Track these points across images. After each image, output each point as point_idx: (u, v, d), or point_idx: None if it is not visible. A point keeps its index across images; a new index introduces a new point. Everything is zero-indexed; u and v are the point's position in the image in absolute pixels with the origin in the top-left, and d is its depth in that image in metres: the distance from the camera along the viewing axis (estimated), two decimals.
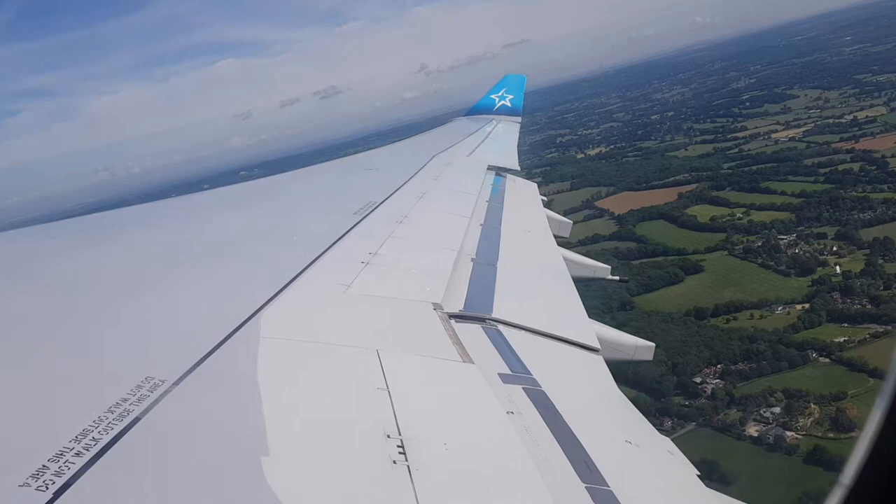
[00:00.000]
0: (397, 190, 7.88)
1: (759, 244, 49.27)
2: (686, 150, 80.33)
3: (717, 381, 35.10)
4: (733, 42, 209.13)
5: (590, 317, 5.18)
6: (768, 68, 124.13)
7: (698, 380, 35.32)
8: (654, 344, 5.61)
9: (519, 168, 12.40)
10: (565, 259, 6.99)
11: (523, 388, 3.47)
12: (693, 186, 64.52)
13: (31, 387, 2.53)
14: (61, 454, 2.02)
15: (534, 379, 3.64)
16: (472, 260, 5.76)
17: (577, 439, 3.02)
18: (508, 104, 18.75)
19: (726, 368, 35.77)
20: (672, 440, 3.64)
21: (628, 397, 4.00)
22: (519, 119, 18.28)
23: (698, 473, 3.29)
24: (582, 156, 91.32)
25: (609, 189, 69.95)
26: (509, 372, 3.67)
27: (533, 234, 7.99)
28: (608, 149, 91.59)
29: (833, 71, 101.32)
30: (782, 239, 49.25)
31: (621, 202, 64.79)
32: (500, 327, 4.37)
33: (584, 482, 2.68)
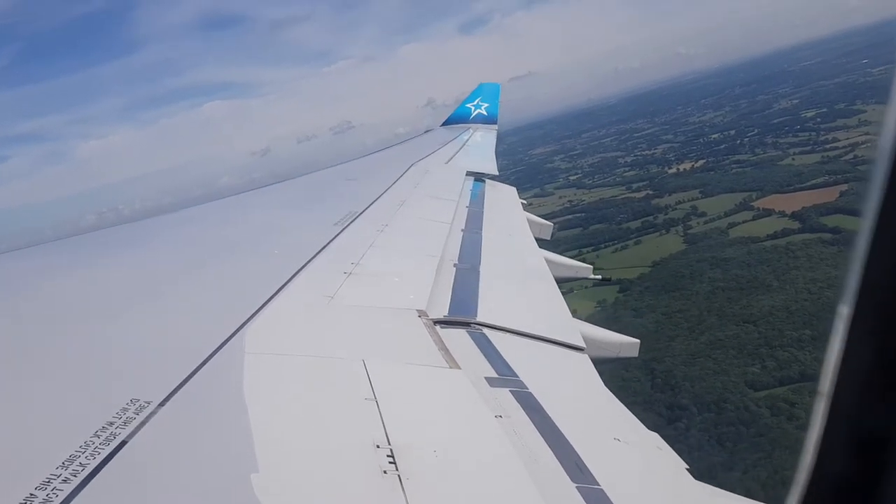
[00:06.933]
0: (377, 199, 7.85)
1: None
2: (792, 159, 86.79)
3: None
4: (727, 71, 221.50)
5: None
6: (800, 90, 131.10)
7: None
8: (638, 341, 5.67)
9: (497, 173, 12.47)
10: (547, 260, 7.01)
11: (510, 391, 3.47)
12: (847, 185, 70.41)
13: (16, 413, 2.50)
14: (48, 481, 1.99)
15: (521, 381, 3.64)
16: (455, 265, 5.77)
17: (566, 439, 3.03)
18: (484, 112, 18.69)
19: None
20: None
21: None
22: (495, 126, 18.24)
23: (687, 467, 3.35)
24: (674, 170, 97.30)
25: (755, 194, 75.29)
26: (496, 375, 3.67)
27: (514, 238, 8.01)
28: (700, 163, 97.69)
29: (880, 88, 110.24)
30: None
31: (778, 203, 69.81)
32: (485, 331, 4.37)
33: (574, 482, 2.69)
